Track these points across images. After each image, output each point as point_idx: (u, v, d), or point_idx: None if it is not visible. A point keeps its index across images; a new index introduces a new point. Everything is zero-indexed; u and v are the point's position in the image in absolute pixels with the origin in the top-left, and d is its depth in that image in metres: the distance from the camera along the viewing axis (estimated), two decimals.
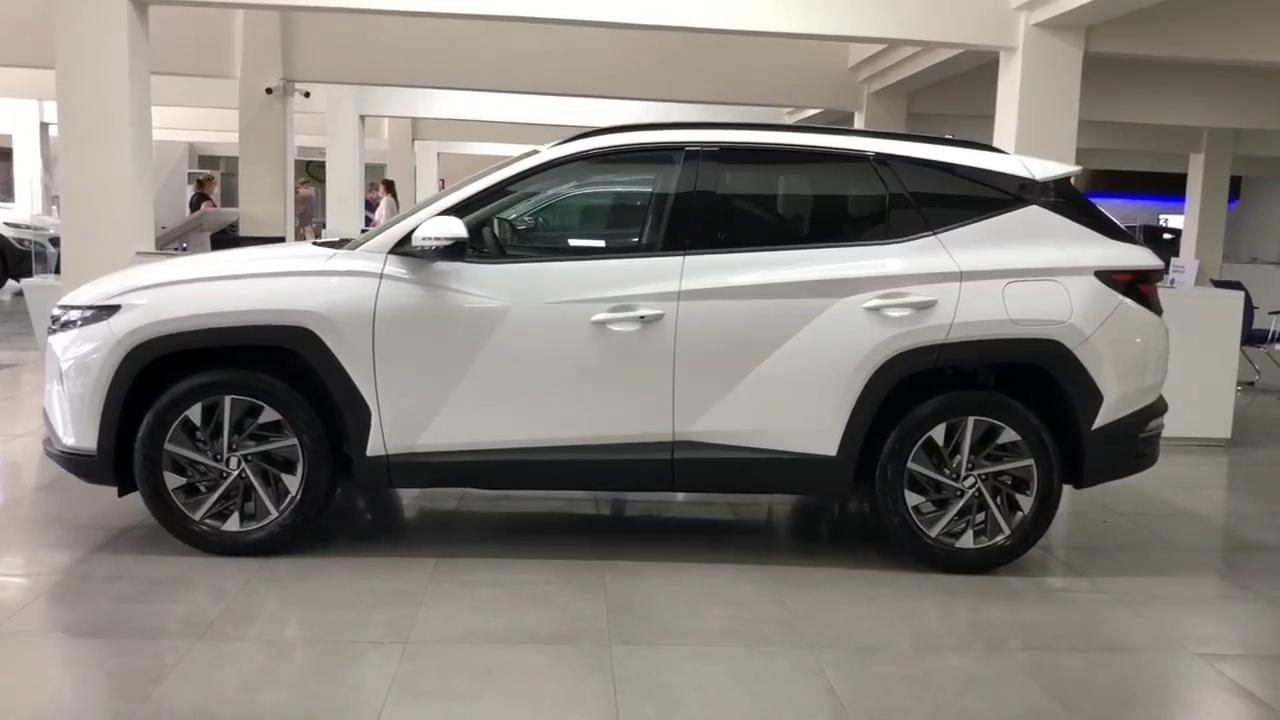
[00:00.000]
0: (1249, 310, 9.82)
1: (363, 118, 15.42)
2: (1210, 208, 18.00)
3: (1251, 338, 10.50)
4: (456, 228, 4.43)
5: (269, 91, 11.17)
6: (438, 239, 4.40)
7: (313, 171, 20.75)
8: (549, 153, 4.76)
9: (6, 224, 16.57)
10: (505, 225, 5.01)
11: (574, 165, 4.79)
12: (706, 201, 4.69)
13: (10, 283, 15.96)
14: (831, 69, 11.56)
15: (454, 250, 4.44)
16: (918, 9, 7.55)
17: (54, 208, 20.14)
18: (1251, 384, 10.99)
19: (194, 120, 18.54)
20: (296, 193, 13.41)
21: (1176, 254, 17.63)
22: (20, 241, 16.23)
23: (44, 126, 19.88)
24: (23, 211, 18.50)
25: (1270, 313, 11.19)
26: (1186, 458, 7.33)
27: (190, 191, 19.59)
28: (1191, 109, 12.67)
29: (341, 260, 4.59)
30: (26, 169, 20.10)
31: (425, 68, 11.24)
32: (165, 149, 21.91)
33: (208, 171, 21.23)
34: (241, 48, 11.19)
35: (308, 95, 11.71)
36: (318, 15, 10.88)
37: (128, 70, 7.19)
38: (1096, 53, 7.80)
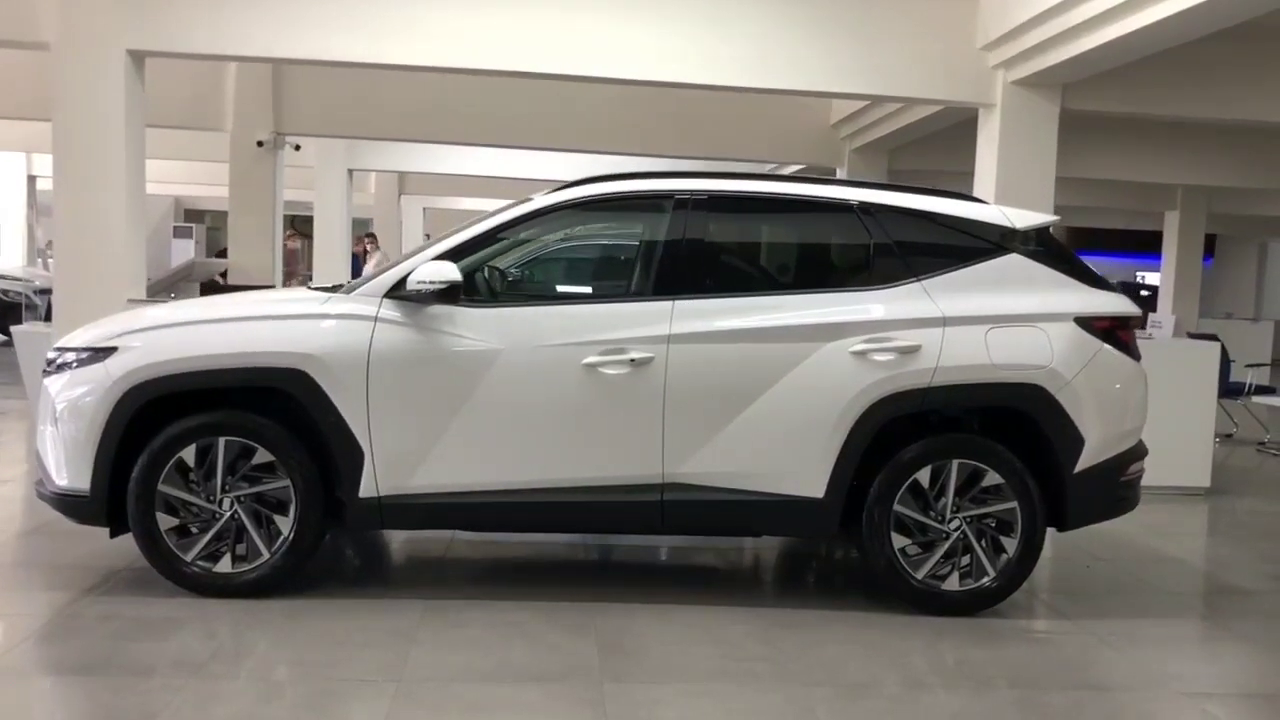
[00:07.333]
0: (1225, 363, 9.96)
1: (351, 172, 15.57)
2: (1186, 265, 18.31)
3: (1228, 390, 10.64)
4: (451, 272, 4.51)
5: (260, 144, 11.31)
6: (432, 282, 4.49)
7: (299, 226, 20.84)
8: (542, 199, 4.86)
9: None
10: (497, 270, 5.09)
11: (567, 212, 4.89)
12: (696, 248, 4.79)
13: None
14: (814, 126, 11.79)
15: (448, 294, 4.52)
16: (899, 67, 7.74)
17: (39, 260, 20.14)
18: (1229, 436, 11.12)
19: (181, 174, 18.66)
20: (284, 246, 13.51)
21: (1154, 310, 17.87)
22: (5, 293, 16.26)
23: (31, 180, 19.92)
24: (8, 264, 18.49)
25: (1246, 365, 11.36)
26: (1166, 506, 7.41)
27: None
28: (1165, 167, 12.96)
29: (337, 304, 4.66)
30: (11, 223, 20.07)
31: (415, 123, 11.39)
32: (152, 203, 21.91)
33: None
34: (233, 102, 11.34)
35: (298, 148, 11.86)
36: (309, 71, 11.04)
37: (124, 121, 7.28)
38: (1073, 109, 8.00)
